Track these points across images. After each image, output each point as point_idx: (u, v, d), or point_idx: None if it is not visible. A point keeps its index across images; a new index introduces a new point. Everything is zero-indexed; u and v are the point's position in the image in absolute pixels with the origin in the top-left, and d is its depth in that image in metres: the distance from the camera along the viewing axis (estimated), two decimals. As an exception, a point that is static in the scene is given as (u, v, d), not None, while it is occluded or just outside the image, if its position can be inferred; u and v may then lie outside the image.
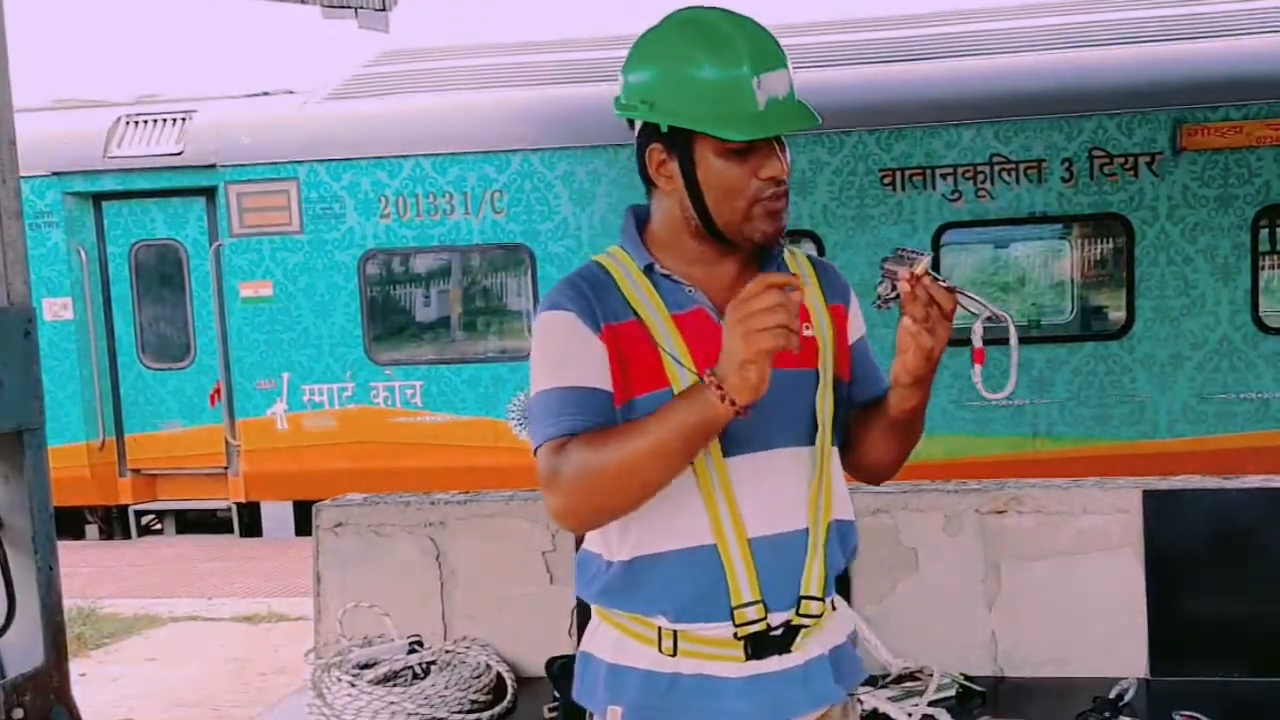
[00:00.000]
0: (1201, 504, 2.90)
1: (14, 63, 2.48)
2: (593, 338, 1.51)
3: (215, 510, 9.12)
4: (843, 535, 1.63)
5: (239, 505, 8.87)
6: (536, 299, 8.05)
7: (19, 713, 2.33)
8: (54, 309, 8.52)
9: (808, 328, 1.59)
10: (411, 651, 3.02)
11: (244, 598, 6.80)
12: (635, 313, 1.54)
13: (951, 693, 2.76)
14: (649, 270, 1.57)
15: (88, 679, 5.09)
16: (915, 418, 1.57)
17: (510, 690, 2.97)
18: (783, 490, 1.55)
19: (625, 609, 1.58)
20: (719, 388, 1.33)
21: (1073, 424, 7.51)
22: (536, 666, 3.03)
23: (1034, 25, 8.08)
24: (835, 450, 1.63)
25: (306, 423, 8.43)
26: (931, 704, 2.67)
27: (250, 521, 8.98)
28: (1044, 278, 8.33)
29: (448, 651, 3.04)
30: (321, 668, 2.90)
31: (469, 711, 2.85)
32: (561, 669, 2.86)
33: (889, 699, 2.68)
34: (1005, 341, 1.54)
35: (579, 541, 1.66)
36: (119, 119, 8.66)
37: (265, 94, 9.09)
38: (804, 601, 1.55)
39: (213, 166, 8.30)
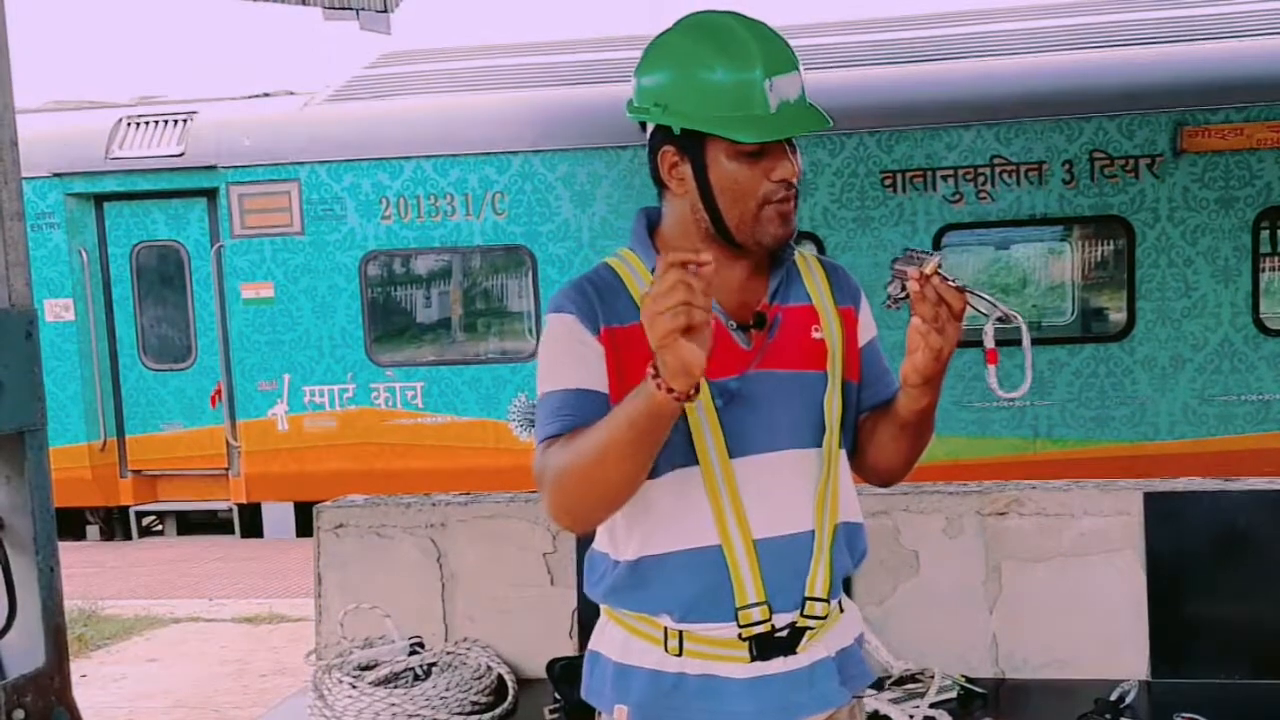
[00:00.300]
0: (1202, 506, 2.90)
1: (15, 64, 2.48)
2: (591, 340, 1.52)
3: (216, 511, 9.13)
4: (850, 538, 1.63)
5: (240, 506, 8.88)
6: (537, 300, 8.06)
7: (20, 714, 2.33)
8: (55, 310, 8.53)
9: (816, 330, 1.60)
10: (412, 653, 3.02)
11: (245, 599, 6.80)
12: None
13: (952, 694, 2.76)
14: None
15: (89, 680, 5.09)
16: (925, 419, 1.57)
17: (511, 691, 2.96)
18: (789, 492, 1.55)
19: (632, 608, 1.59)
20: (655, 376, 1.31)
21: (1073, 426, 7.52)
22: (537, 668, 3.03)
23: (1035, 27, 8.09)
24: (843, 453, 1.63)
25: (307, 424, 8.44)
26: (933, 706, 2.68)
27: (251, 523, 8.98)
28: (1045, 279, 8.33)
29: (449, 653, 3.04)
30: (322, 669, 2.90)
31: (470, 713, 2.85)
32: (563, 670, 2.86)
33: (890, 701, 2.68)
34: (1015, 342, 1.54)
35: (581, 543, 1.67)
36: (120, 120, 8.68)
37: (266, 95, 9.10)
38: (809, 603, 1.55)
39: (214, 168, 8.31)
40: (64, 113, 9.24)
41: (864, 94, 7.59)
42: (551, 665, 2.94)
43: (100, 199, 8.68)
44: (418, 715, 2.77)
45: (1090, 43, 7.79)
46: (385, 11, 5.06)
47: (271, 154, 8.26)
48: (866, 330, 1.68)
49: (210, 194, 8.47)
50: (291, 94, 9.05)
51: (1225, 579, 2.85)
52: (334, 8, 4.93)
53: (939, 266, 1.42)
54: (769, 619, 1.53)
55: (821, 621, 1.58)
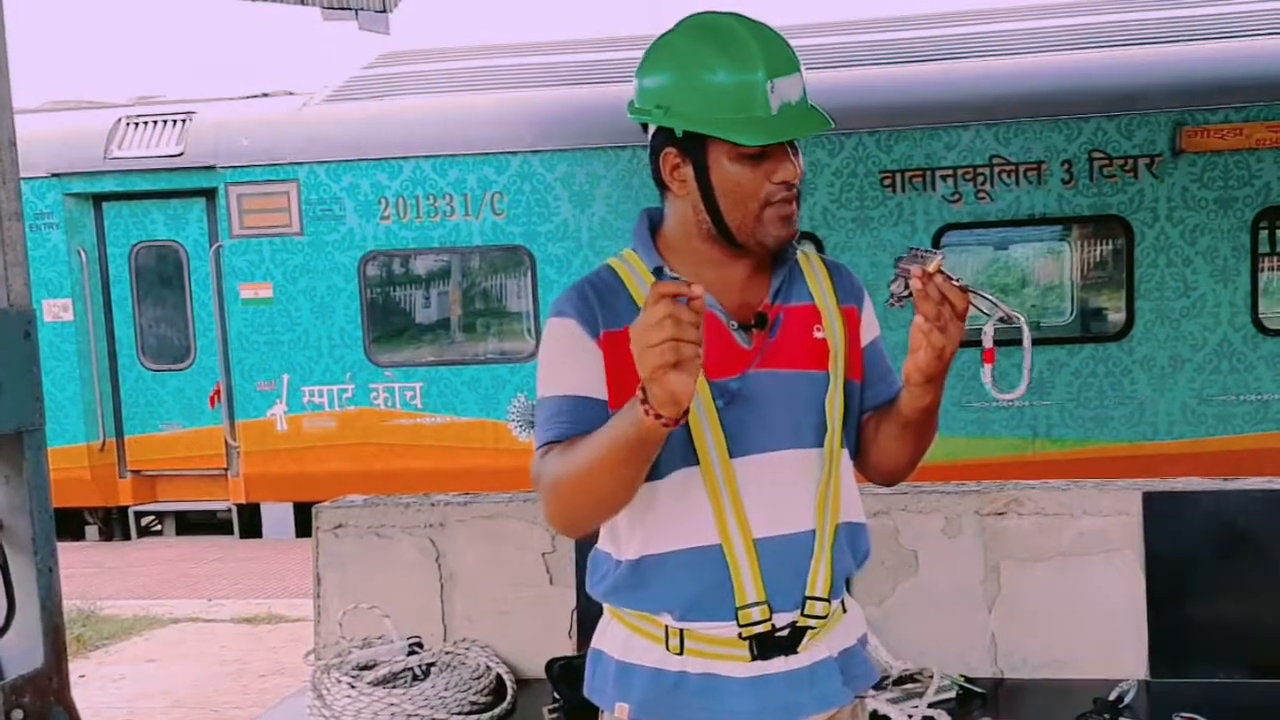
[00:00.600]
0: (1201, 506, 2.90)
1: (13, 64, 2.48)
2: (590, 344, 1.53)
3: (215, 511, 9.12)
4: (852, 538, 1.63)
5: (239, 506, 8.87)
6: (536, 301, 8.06)
7: (18, 714, 2.33)
8: (54, 310, 8.52)
9: (819, 329, 1.60)
10: (411, 653, 3.02)
11: (244, 599, 6.79)
12: None
13: (951, 694, 2.76)
14: (658, 273, 1.57)
15: (87, 680, 5.09)
16: (928, 418, 1.57)
17: (510, 691, 2.97)
18: (790, 491, 1.55)
19: (633, 607, 1.59)
20: (644, 401, 1.31)
21: (1073, 426, 7.52)
22: (536, 668, 3.03)
23: (1034, 27, 8.09)
24: (845, 453, 1.63)
25: (306, 424, 8.43)
26: (931, 705, 2.68)
27: (250, 523, 8.98)
28: (1044, 279, 8.33)
29: (447, 653, 3.04)
30: (321, 669, 2.90)
31: (469, 713, 2.85)
32: (561, 670, 2.86)
33: (889, 700, 2.68)
34: (1015, 342, 1.54)
35: (580, 543, 1.67)
36: (119, 120, 8.67)
37: (265, 95, 9.09)
38: (809, 603, 1.55)
39: (213, 168, 8.30)
40: (62, 113, 9.23)
41: (863, 94, 7.59)
42: (550, 665, 2.94)
43: (99, 199, 8.67)
44: (416, 715, 2.77)
45: (1089, 43, 7.79)
46: (384, 11, 5.06)
47: (270, 154, 8.25)
48: (869, 329, 1.68)
49: (209, 194, 8.47)
50: (290, 94, 9.05)
51: (1224, 579, 2.86)
52: (333, 8, 4.93)
53: (942, 265, 1.42)
54: (769, 618, 1.53)
55: (823, 621, 1.58)
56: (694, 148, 1.52)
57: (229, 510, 8.96)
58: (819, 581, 1.56)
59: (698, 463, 1.52)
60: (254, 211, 8.29)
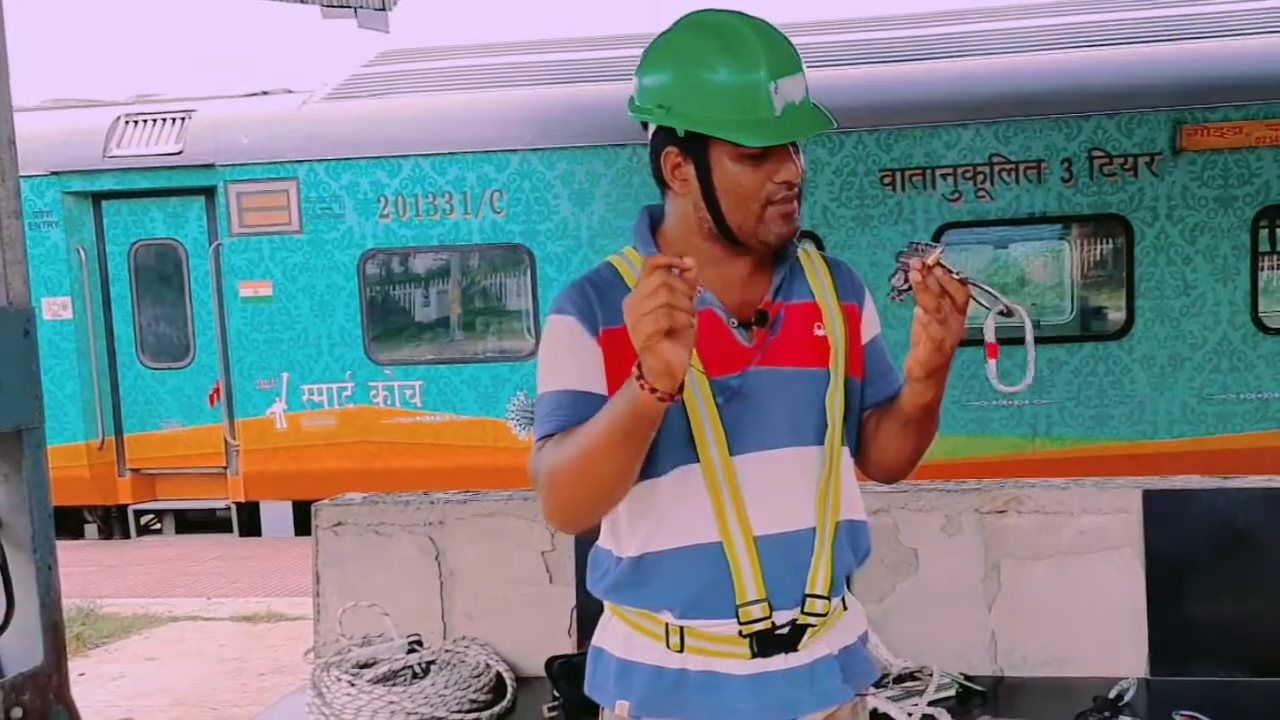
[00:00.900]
0: (1201, 504, 2.90)
1: (13, 61, 2.47)
2: (589, 341, 1.53)
3: (214, 510, 9.12)
4: (853, 535, 1.63)
5: (238, 505, 8.87)
6: (536, 299, 8.06)
7: (18, 712, 2.33)
8: (53, 308, 8.52)
9: (819, 327, 1.60)
10: (411, 651, 3.02)
11: (243, 597, 6.79)
12: None
13: (951, 692, 2.76)
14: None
15: (87, 678, 5.09)
16: (929, 415, 1.57)
17: (510, 689, 2.96)
18: (790, 489, 1.55)
19: (634, 605, 1.59)
20: (639, 376, 1.32)
21: (1072, 424, 7.52)
22: (536, 666, 3.03)
23: (1034, 25, 8.09)
24: (846, 450, 1.63)
25: (306, 422, 8.43)
26: (931, 704, 2.68)
27: (249, 521, 8.98)
28: (1044, 278, 8.34)
29: (447, 651, 3.04)
30: (321, 667, 2.90)
31: (468, 711, 2.85)
32: (561, 668, 2.86)
33: (889, 699, 2.68)
34: (1016, 341, 1.54)
35: (580, 541, 1.67)
36: (118, 118, 8.67)
37: (265, 93, 9.09)
38: (810, 600, 1.55)
39: (212, 166, 8.30)
40: (62, 111, 9.23)
41: (863, 92, 7.59)
42: (550, 663, 2.94)
43: (98, 197, 8.66)
44: (416, 713, 2.77)
45: (1089, 41, 7.79)
46: (383, 10, 5.06)
47: (270, 152, 8.25)
48: (870, 327, 1.68)
49: (208, 192, 8.47)
50: (290, 92, 9.04)
51: (1224, 577, 2.86)
52: (332, 5, 4.93)
53: (941, 258, 1.42)
54: (769, 616, 1.53)
55: (823, 619, 1.58)
56: (695, 147, 1.51)
57: (228, 508, 8.96)
58: (819, 579, 1.56)
59: (698, 460, 1.51)
60: (253, 210, 8.28)
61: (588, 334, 1.53)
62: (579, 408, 1.49)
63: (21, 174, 2.49)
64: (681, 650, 1.56)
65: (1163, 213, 7.31)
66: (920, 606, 2.96)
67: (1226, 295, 7.31)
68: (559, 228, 7.97)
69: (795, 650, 1.56)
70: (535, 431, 1.54)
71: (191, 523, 9.32)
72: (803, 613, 1.55)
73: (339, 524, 3.28)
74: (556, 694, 2.85)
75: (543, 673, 2.97)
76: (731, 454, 1.52)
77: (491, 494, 3.32)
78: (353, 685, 2.80)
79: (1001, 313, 1.48)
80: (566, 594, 3.11)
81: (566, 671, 2.81)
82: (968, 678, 2.82)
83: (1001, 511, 2.96)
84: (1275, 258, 7.68)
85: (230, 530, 8.98)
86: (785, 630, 1.55)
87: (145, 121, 8.60)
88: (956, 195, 7.48)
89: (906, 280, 1.45)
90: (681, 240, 1.58)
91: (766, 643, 1.54)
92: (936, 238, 7.50)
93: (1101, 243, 7.86)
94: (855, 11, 8.82)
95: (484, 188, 8.01)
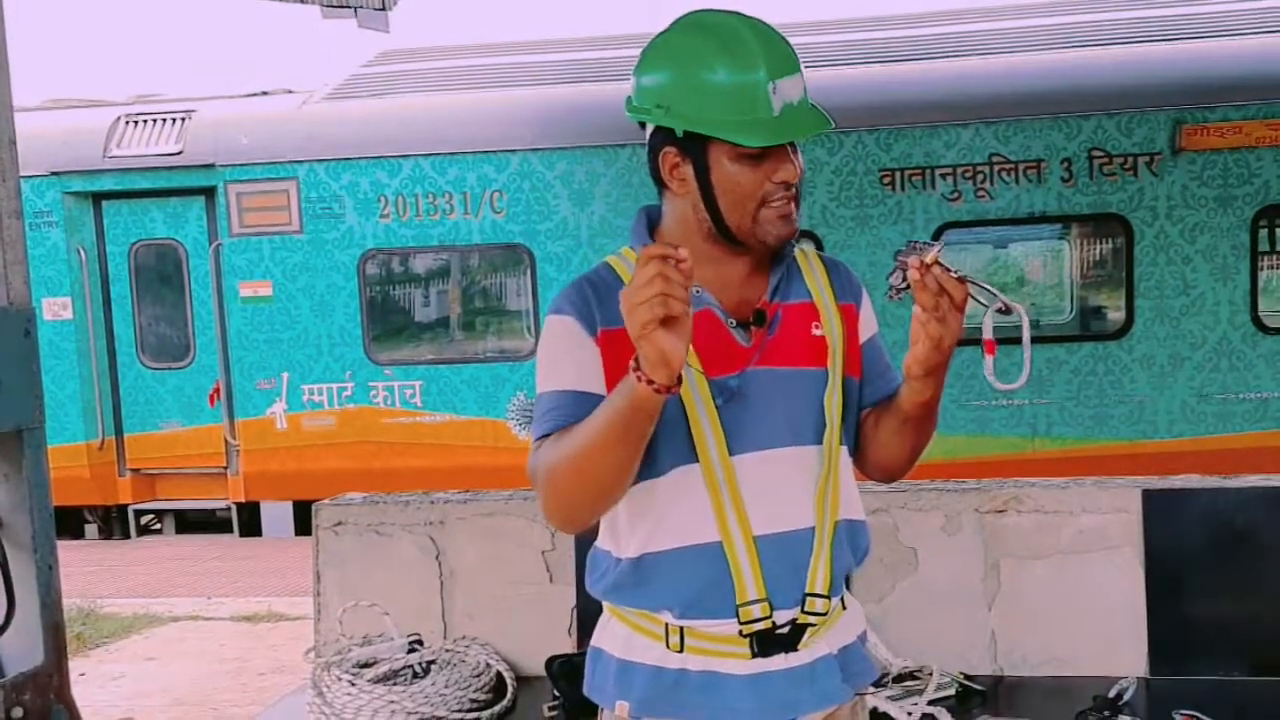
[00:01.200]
0: (1201, 503, 2.90)
1: (13, 62, 2.48)
2: (587, 341, 1.53)
3: (215, 510, 9.13)
4: (852, 535, 1.63)
5: (238, 505, 8.87)
6: (536, 299, 8.06)
7: (18, 712, 2.33)
8: (53, 309, 8.52)
9: (817, 327, 1.60)
10: (411, 650, 3.02)
11: (243, 597, 6.80)
12: None
13: (951, 692, 2.76)
14: None
15: (87, 678, 5.09)
16: (928, 414, 1.58)
17: (510, 689, 2.97)
18: (789, 489, 1.55)
19: (634, 605, 1.59)
20: (636, 369, 1.32)
21: (1072, 424, 7.52)
22: (536, 665, 3.03)
23: (1033, 25, 8.09)
24: (845, 450, 1.63)
25: (306, 422, 8.44)
26: (931, 703, 2.68)
27: (250, 521, 8.98)
28: (1043, 278, 8.34)
29: (447, 650, 3.04)
30: (321, 666, 2.90)
31: (469, 710, 2.85)
32: (561, 668, 2.86)
33: (889, 698, 2.68)
34: (1014, 340, 1.55)
35: (580, 541, 1.67)
36: (118, 118, 8.67)
37: (265, 93, 9.09)
38: (809, 599, 1.55)
39: (212, 166, 8.30)
40: (62, 111, 9.23)
41: (862, 92, 7.59)
42: (550, 663, 2.94)
43: (98, 197, 8.67)
44: (417, 713, 2.77)
45: (1089, 41, 7.79)
46: (383, 9, 5.06)
47: (270, 152, 8.25)
48: (868, 326, 1.68)
49: (208, 192, 8.47)
50: (290, 92, 9.04)
51: (1224, 576, 2.86)
52: (332, 5, 4.92)
53: (939, 256, 1.42)
54: (769, 615, 1.53)
55: (823, 618, 1.58)
56: (694, 147, 1.51)
57: (228, 508, 8.97)
58: (819, 578, 1.56)
59: (697, 460, 1.52)
60: (253, 210, 8.28)
61: (586, 334, 1.53)
62: (577, 407, 1.49)
63: (22, 174, 2.50)
64: (681, 650, 1.56)
65: (1162, 212, 7.31)
66: (920, 606, 2.96)
67: (1226, 295, 7.31)
68: (559, 228, 7.97)
69: (795, 650, 1.56)
70: (533, 431, 1.55)
71: (192, 523, 9.32)
72: (803, 612, 1.55)
73: (339, 524, 3.29)
74: (557, 694, 2.85)
75: (543, 672, 2.97)
76: (731, 454, 1.52)
77: (492, 494, 3.32)
78: (353, 685, 2.80)
79: (1000, 310, 1.48)
80: (567, 593, 3.11)
81: (567, 671, 2.81)
82: (967, 677, 2.82)
83: (1001, 511, 2.97)
84: (1275, 257, 7.68)
85: (230, 530, 8.99)
86: (785, 630, 1.55)
87: (145, 122, 8.60)
88: (956, 195, 7.48)
89: (905, 279, 1.45)
90: (679, 240, 1.58)
91: (767, 642, 1.54)
92: (936, 237, 7.50)
93: (1101, 242, 7.86)
94: (854, 11, 8.83)
95: (484, 188, 8.01)
